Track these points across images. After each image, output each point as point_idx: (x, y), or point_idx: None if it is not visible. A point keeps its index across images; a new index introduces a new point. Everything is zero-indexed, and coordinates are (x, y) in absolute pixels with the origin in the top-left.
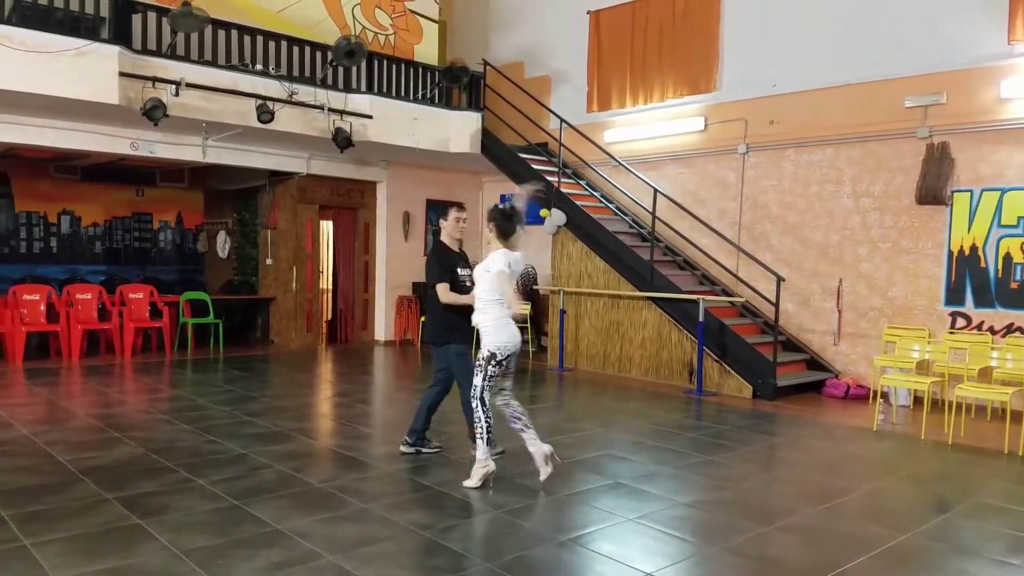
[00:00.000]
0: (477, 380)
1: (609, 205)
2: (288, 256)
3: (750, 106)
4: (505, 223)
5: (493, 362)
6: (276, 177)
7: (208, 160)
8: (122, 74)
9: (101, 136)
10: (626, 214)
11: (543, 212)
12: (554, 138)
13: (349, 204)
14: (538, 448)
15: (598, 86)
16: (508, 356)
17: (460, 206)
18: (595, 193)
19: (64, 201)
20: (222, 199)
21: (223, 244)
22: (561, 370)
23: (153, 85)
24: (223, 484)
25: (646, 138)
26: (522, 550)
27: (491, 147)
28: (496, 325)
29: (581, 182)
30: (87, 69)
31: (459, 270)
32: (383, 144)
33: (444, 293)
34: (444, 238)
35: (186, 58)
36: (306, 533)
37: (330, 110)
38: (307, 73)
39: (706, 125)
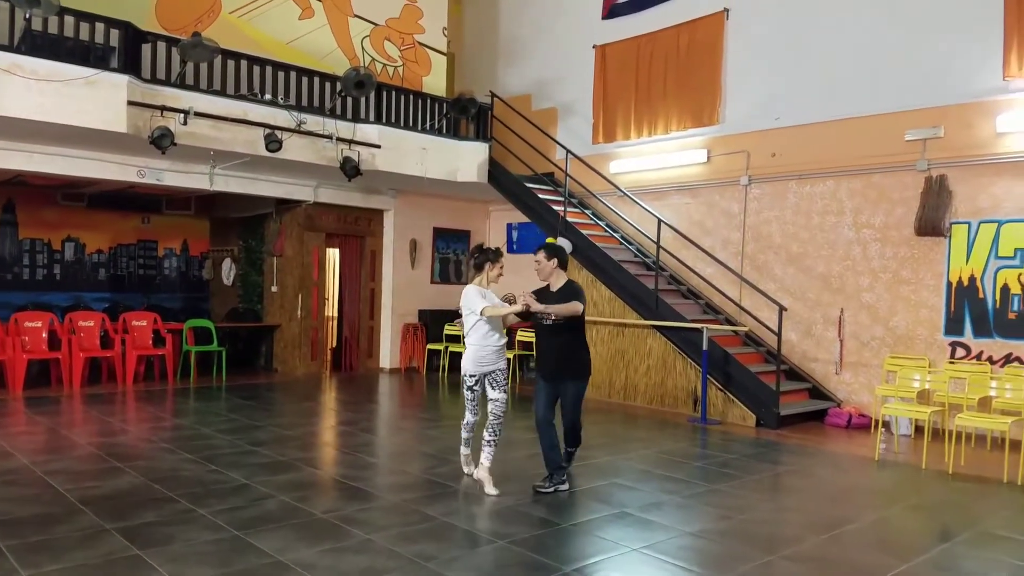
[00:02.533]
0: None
1: (614, 235)
2: (294, 283)
3: (752, 139)
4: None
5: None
6: (283, 205)
7: (215, 188)
8: (131, 103)
9: (109, 164)
10: (631, 243)
11: (550, 240)
12: (560, 168)
13: (356, 232)
14: (478, 469)
15: (604, 118)
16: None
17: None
18: (600, 223)
19: (69, 228)
20: (228, 227)
21: (228, 271)
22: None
23: (162, 114)
24: (225, 514)
25: (651, 169)
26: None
27: (498, 177)
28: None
29: (587, 211)
30: (96, 98)
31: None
32: (391, 173)
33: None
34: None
35: (195, 87)
36: (310, 564)
37: (338, 139)
38: (316, 103)
39: (709, 157)
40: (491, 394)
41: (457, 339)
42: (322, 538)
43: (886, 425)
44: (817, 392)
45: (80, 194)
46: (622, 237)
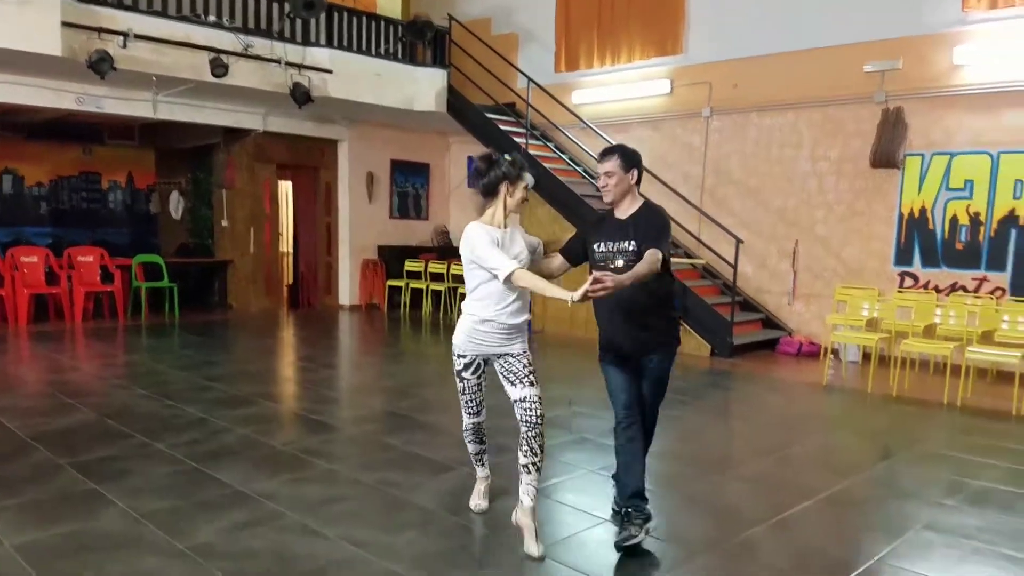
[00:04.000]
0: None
1: (577, 168)
2: (245, 217)
3: (715, 70)
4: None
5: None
6: (232, 135)
7: (159, 116)
8: (65, 24)
9: (44, 90)
10: (594, 177)
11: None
12: (522, 98)
13: (309, 163)
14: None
15: (566, 46)
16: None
17: (601, 152)
18: (563, 156)
19: (6, 160)
20: (175, 158)
21: (176, 205)
22: (529, 332)
23: (99, 36)
24: (183, 448)
25: (614, 100)
26: (489, 502)
27: (458, 107)
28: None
29: (549, 144)
30: (28, 19)
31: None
32: (344, 100)
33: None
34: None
35: (135, 8)
36: (270, 494)
37: (288, 64)
38: (264, 25)
39: (672, 88)
40: (511, 392)
41: (419, 275)
42: (283, 469)
43: (835, 353)
44: (770, 322)
45: (17, 123)
46: (585, 171)
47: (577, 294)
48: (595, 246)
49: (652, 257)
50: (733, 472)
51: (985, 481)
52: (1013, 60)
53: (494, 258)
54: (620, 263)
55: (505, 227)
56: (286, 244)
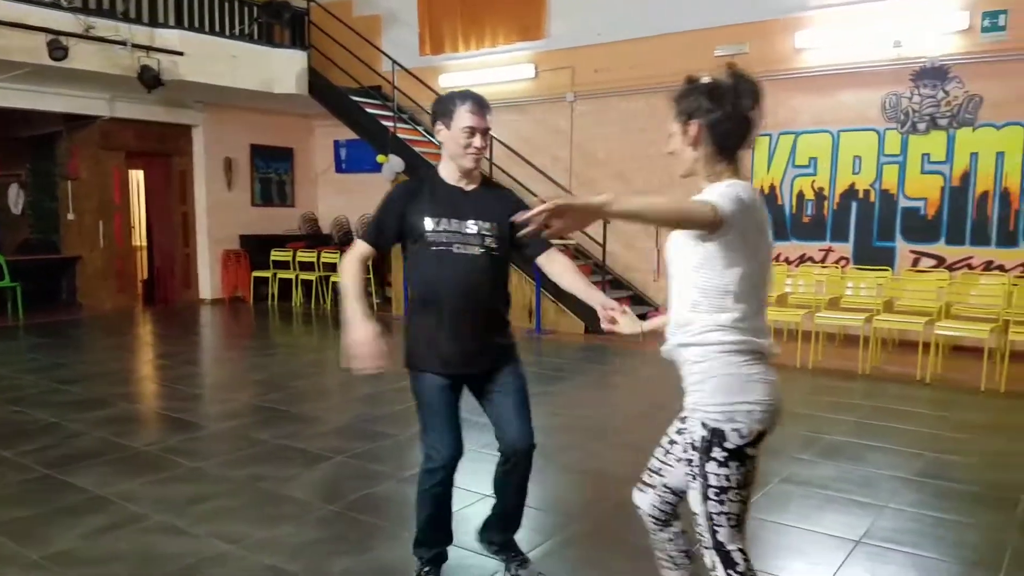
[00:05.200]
0: None
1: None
2: (93, 210)
3: (577, 54)
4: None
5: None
6: (75, 121)
7: None
8: None
9: None
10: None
11: (380, 158)
12: (388, 81)
13: (162, 151)
14: None
15: (430, 28)
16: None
17: (478, 101)
18: (434, 139)
19: None
20: (13, 148)
21: (16, 199)
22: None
23: None
24: (34, 455)
25: (480, 84)
26: (365, 489)
27: (321, 89)
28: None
29: (419, 127)
30: None
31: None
32: (198, 83)
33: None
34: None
35: None
36: (133, 496)
37: (134, 46)
38: (106, 5)
39: (537, 72)
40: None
41: (286, 265)
42: (145, 470)
43: None
44: (639, 299)
45: None
46: None
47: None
48: (426, 222)
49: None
50: (610, 440)
51: (836, 435)
52: (847, 44)
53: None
54: (477, 251)
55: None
56: (139, 237)
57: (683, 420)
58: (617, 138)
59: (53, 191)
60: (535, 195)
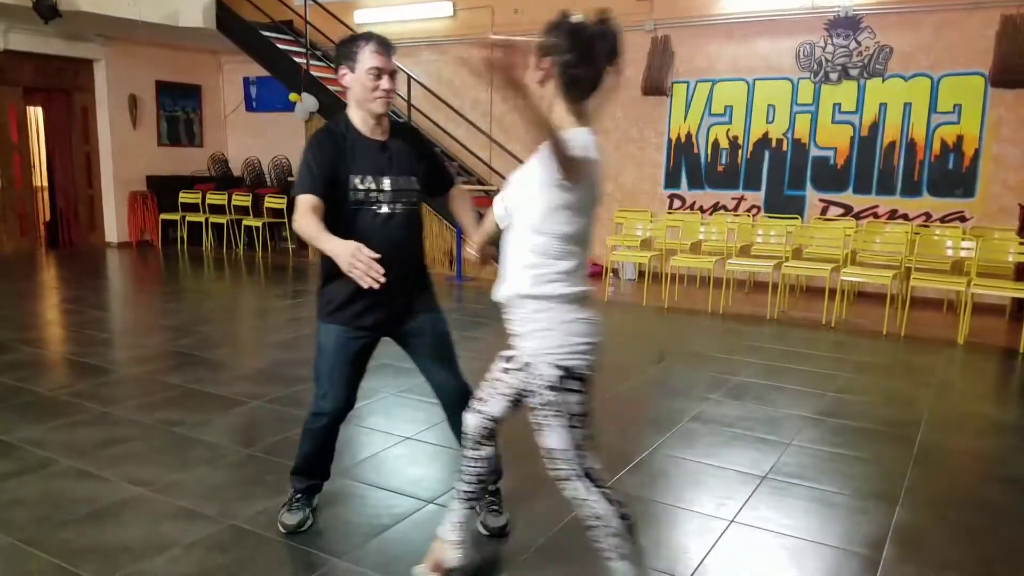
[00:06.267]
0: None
1: None
2: None
3: None
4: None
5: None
6: None
7: None
8: None
9: None
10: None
11: (293, 97)
12: (300, 16)
13: (61, 86)
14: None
15: None
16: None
17: (382, 42)
18: None
19: None
20: None
21: None
22: None
23: None
24: None
25: (397, 21)
26: (283, 433)
27: (229, 23)
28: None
29: (332, 65)
30: None
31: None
32: (98, 15)
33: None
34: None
35: None
36: (39, 441)
37: None
38: None
39: (455, 11)
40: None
41: (196, 207)
42: (51, 415)
43: (615, 272)
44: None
45: None
46: None
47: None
48: (351, 179)
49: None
50: None
51: (743, 377)
52: None
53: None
54: (399, 208)
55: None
56: (40, 177)
57: (510, 360)
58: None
59: None
60: (454, 139)
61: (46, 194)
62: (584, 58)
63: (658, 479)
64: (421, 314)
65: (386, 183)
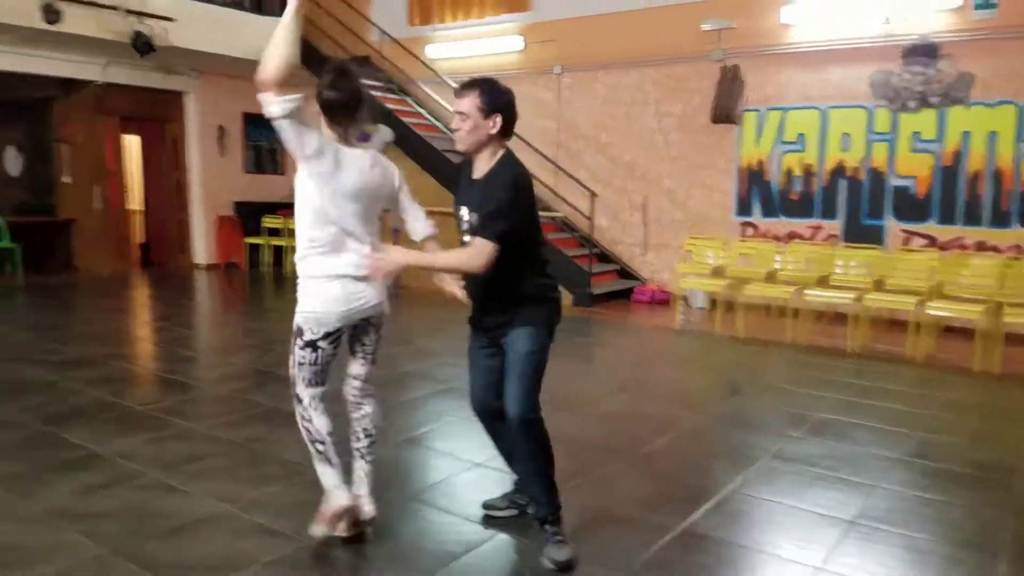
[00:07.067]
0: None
1: (436, 124)
2: (88, 173)
3: (563, 26)
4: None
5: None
6: (70, 86)
7: None
8: None
9: None
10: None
11: (369, 128)
12: (376, 51)
13: (155, 116)
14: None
15: None
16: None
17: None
18: (421, 110)
19: None
20: (9, 112)
21: (13, 161)
22: (394, 289)
23: None
24: (31, 411)
25: (468, 56)
26: None
27: (311, 59)
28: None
29: (407, 99)
30: None
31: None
32: (189, 50)
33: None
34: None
35: None
36: (128, 454)
37: (128, 11)
38: None
39: (525, 45)
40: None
41: (279, 231)
42: (140, 429)
43: (684, 299)
44: (625, 273)
45: None
46: (445, 126)
47: (364, 262)
48: (455, 207)
49: (452, 259)
50: (591, 410)
51: (824, 413)
52: (834, 21)
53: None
54: (466, 235)
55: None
56: (135, 201)
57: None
58: (602, 112)
59: (48, 155)
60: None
61: (140, 218)
62: (325, 87)
63: (737, 519)
64: (508, 330)
65: (461, 214)
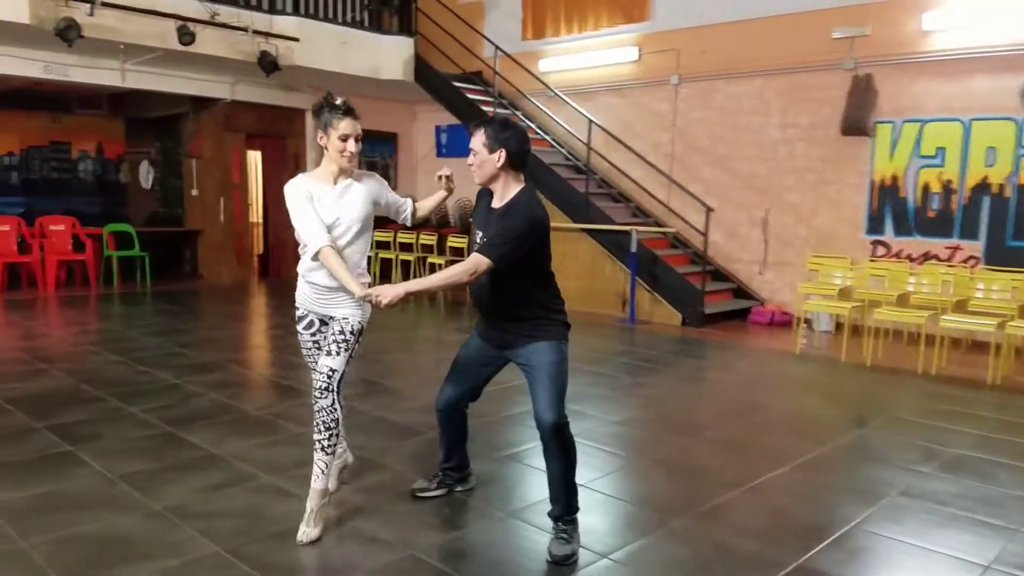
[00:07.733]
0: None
1: (546, 137)
2: (214, 187)
3: (682, 36)
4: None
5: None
6: (200, 103)
7: (127, 85)
8: None
9: (12, 59)
10: (562, 146)
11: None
12: (489, 66)
13: (277, 133)
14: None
15: (533, 13)
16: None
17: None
18: (531, 124)
19: None
20: (144, 127)
21: (146, 174)
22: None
23: (66, 3)
24: (156, 412)
25: (581, 68)
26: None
27: (424, 75)
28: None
29: (518, 113)
30: None
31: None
32: (311, 69)
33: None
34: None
35: None
36: (243, 456)
37: (255, 32)
38: None
39: (640, 55)
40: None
41: (387, 245)
42: (254, 432)
43: (807, 322)
44: (741, 292)
45: None
46: (553, 140)
47: (360, 292)
48: (471, 230)
49: (445, 274)
50: (703, 436)
51: (960, 448)
52: (982, 26)
53: (306, 226)
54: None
55: (335, 183)
56: (256, 214)
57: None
58: (722, 123)
59: (178, 168)
60: (634, 181)
61: (260, 229)
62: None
63: (860, 558)
64: (518, 348)
65: (476, 238)
